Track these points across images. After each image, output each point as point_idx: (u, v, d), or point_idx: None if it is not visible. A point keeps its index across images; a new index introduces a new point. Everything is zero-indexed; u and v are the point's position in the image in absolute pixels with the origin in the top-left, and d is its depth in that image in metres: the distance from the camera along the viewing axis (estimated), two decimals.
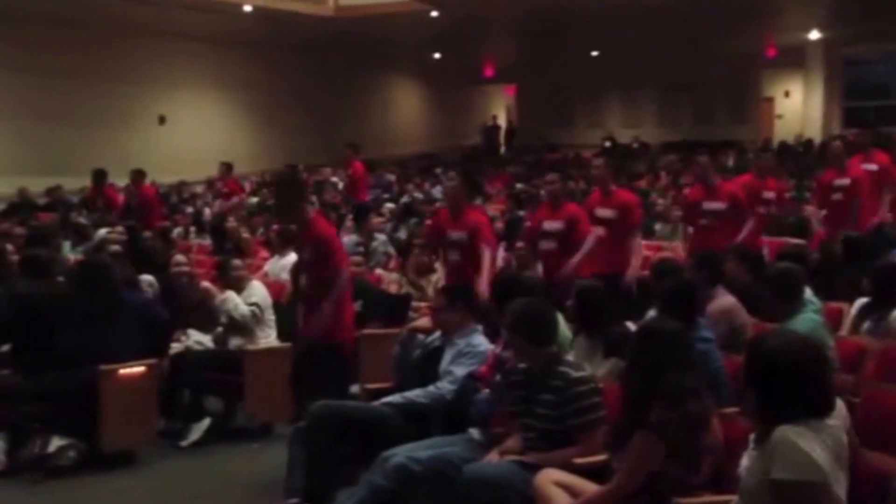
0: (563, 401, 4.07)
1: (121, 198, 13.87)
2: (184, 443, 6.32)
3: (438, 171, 21.26)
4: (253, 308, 6.76)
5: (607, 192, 7.78)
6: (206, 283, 7.33)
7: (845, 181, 8.84)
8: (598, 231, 7.49)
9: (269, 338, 6.84)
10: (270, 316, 6.90)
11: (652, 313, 5.55)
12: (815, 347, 3.06)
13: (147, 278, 7.45)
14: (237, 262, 7.25)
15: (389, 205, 14.25)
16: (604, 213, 7.63)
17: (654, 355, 3.69)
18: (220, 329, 6.92)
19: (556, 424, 4.08)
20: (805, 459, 2.81)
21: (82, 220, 11.68)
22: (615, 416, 3.98)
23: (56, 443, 5.72)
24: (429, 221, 8.25)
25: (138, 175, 13.31)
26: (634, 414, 3.63)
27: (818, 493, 2.83)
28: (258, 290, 6.92)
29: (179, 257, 7.70)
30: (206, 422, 6.45)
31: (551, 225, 7.37)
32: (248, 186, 18.50)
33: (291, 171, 13.67)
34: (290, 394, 5.91)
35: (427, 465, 4.26)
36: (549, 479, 3.77)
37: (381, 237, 10.24)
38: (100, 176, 13.40)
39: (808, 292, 5.54)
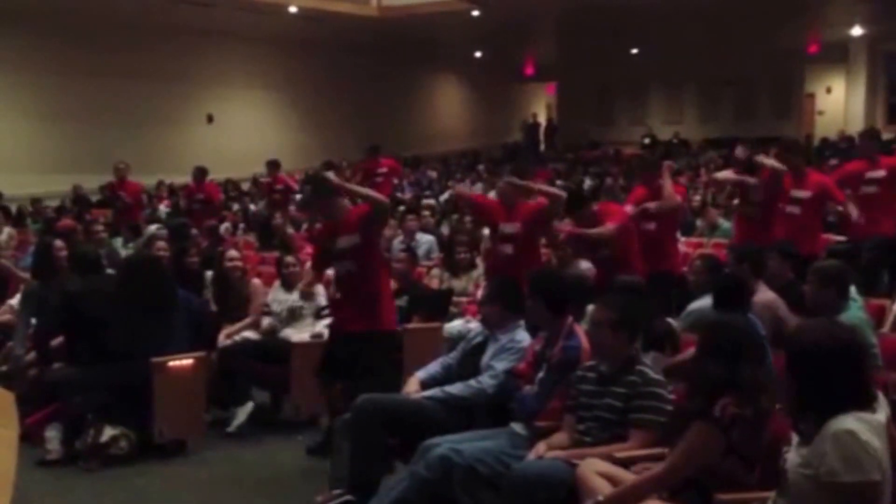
0: (636, 394, 4.08)
1: (140, 192, 14.08)
2: (230, 428, 6.46)
3: (481, 167, 21.38)
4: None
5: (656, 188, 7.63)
6: (256, 280, 7.49)
7: (879, 173, 8.24)
8: (651, 226, 7.50)
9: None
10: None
11: (694, 306, 5.61)
12: (855, 337, 3.06)
13: (211, 275, 7.63)
14: (290, 259, 7.40)
15: (430, 201, 14.33)
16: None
17: (727, 350, 3.65)
18: (267, 321, 7.09)
19: (620, 416, 4.10)
20: (865, 456, 2.80)
21: None
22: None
23: (109, 432, 5.88)
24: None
25: (202, 173, 13.54)
26: (699, 406, 3.57)
27: (877, 491, 2.82)
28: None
29: (233, 253, 7.76)
30: (250, 405, 6.59)
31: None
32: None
33: (321, 168, 13.83)
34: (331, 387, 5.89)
35: (469, 457, 4.27)
36: (592, 469, 3.76)
37: (427, 238, 10.09)
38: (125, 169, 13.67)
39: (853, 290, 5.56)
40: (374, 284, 5.74)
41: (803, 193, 7.65)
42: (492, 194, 8.94)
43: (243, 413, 6.54)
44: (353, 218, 5.75)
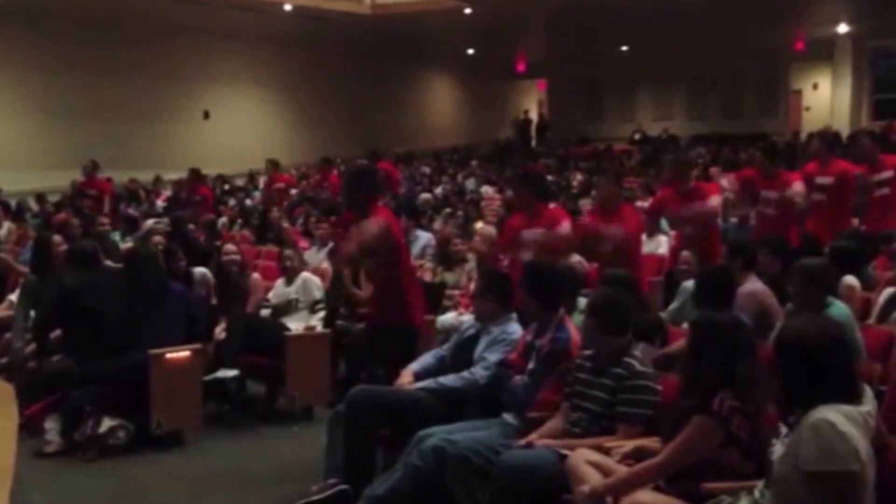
0: (621, 388, 4.11)
1: (109, 188, 14.17)
2: (212, 376, 6.55)
3: (474, 163, 21.53)
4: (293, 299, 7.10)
5: (687, 189, 7.63)
6: (256, 275, 7.56)
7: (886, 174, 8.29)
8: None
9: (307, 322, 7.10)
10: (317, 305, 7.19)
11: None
12: (843, 331, 3.12)
13: (200, 271, 7.70)
14: (289, 252, 7.48)
15: (426, 195, 14.45)
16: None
17: (721, 351, 3.62)
18: (267, 312, 7.19)
19: (607, 409, 4.14)
20: (842, 446, 2.83)
21: (131, 211, 12.03)
22: (668, 402, 3.98)
23: (107, 423, 5.96)
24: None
25: (197, 175, 13.85)
26: (697, 401, 3.56)
27: (856, 481, 2.85)
28: (306, 283, 7.24)
29: (229, 247, 7.81)
30: (235, 371, 6.71)
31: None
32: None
33: (320, 164, 14.18)
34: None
35: (462, 448, 4.31)
36: (583, 458, 3.78)
37: (424, 235, 10.10)
38: (93, 167, 13.73)
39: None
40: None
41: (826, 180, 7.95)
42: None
43: (230, 372, 6.64)
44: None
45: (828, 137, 9.33)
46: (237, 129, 21.59)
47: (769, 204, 7.93)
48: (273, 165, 14.60)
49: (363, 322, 6.30)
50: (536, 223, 6.72)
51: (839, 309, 5.06)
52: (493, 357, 4.94)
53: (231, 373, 6.68)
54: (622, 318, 4.29)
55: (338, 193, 13.47)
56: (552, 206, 7.46)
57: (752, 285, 5.59)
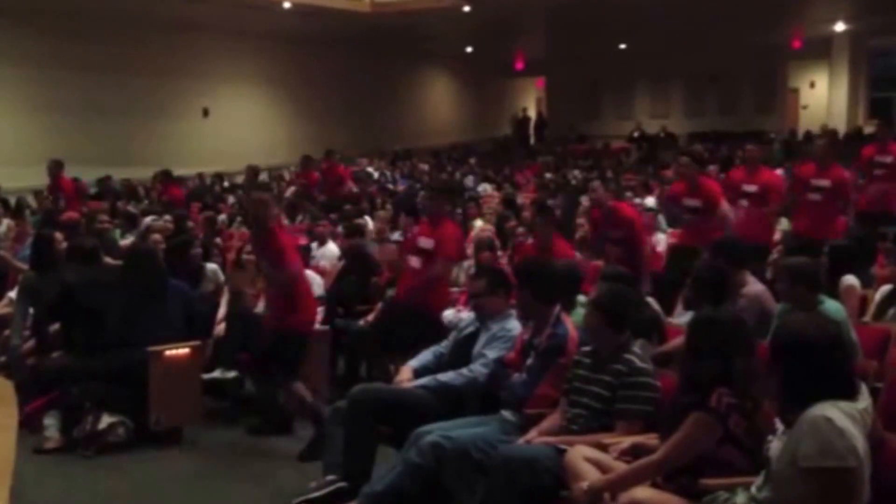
0: (620, 384, 4.12)
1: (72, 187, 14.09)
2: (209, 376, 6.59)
3: (472, 160, 21.57)
4: None
5: (695, 186, 7.94)
6: None
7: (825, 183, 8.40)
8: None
9: None
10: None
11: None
12: (841, 329, 3.14)
13: (212, 267, 7.70)
14: None
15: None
16: (691, 202, 7.90)
17: (719, 348, 3.63)
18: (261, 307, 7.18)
19: (606, 405, 4.15)
20: (840, 443, 2.84)
21: (130, 208, 12.03)
22: (666, 399, 3.99)
23: (106, 420, 5.97)
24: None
25: (165, 176, 13.82)
26: (695, 398, 3.57)
27: (854, 478, 2.87)
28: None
29: None
30: (234, 373, 6.73)
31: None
32: (287, 176, 18.91)
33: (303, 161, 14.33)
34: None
35: (460, 444, 4.32)
36: (580, 455, 3.80)
37: None
38: (57, 167, 13.65)
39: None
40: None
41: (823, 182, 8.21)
42: None
43: (228, 373, 6.67)
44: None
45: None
46: (237, 127, 21.59)
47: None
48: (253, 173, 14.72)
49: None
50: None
51: (832, 307, 5.09)
52: (493, 354, 4.96)
53: (230, 374, 6.69)
54: (626, 313, 4.32)
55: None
56: None
57: (754, 287, 5.62)
